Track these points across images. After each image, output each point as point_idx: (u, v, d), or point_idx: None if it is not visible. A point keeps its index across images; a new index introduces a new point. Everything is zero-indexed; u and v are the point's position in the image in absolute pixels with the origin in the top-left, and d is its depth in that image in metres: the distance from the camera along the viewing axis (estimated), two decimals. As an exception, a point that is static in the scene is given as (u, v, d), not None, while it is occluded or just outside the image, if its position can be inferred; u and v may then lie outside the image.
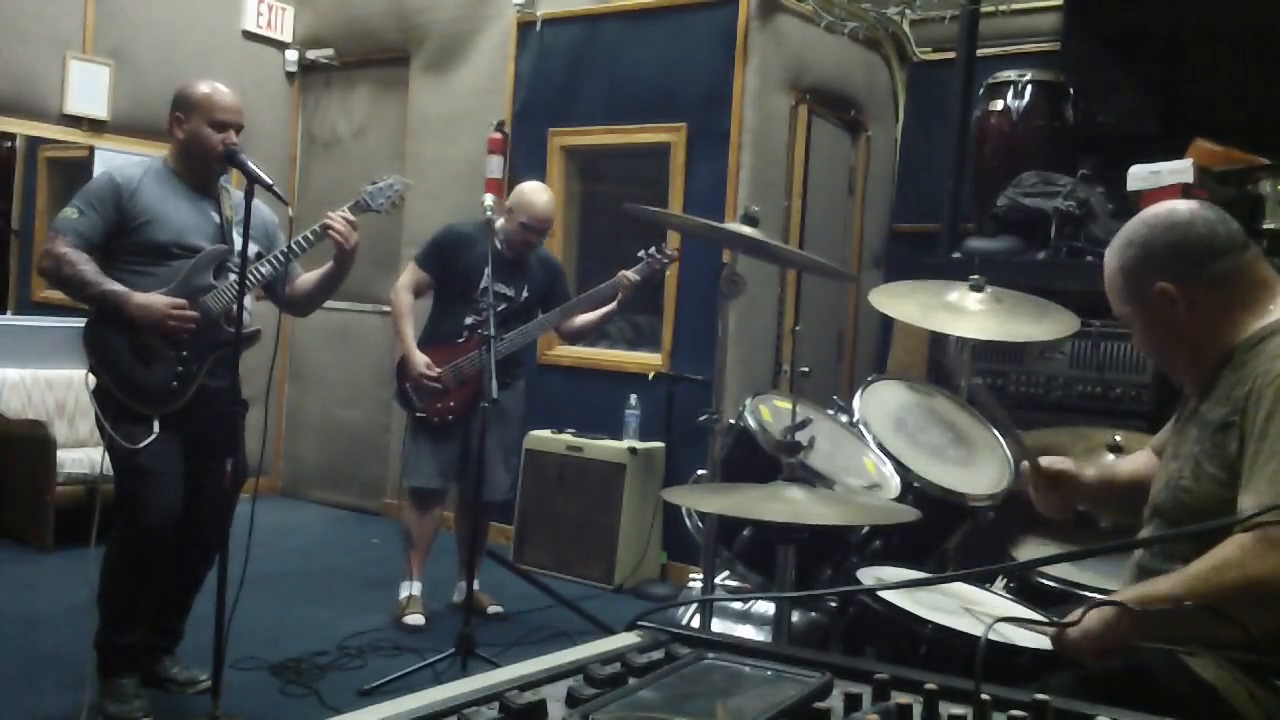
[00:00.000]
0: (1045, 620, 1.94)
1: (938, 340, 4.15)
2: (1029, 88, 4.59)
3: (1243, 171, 3.75)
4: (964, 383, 3.41)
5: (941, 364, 4.14)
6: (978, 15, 4.72)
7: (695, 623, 2.81)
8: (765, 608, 2.79)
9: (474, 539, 4.03)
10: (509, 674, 1.29)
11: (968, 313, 2.99)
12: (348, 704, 3.29)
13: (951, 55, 4.92)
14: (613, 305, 4.27)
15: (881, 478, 2.69)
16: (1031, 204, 4.19)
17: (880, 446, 2.75)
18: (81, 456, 5.16)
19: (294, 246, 3.26)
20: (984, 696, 1.14)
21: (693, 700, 1.27)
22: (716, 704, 1.29)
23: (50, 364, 5.43)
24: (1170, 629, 1.64)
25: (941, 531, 2.72)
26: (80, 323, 3.21)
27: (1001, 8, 5.07)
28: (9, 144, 5.64)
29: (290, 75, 6.76)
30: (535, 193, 4.26)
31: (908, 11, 5.68)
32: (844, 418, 2.93)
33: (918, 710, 1.13)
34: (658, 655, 1.36)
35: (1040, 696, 1.13)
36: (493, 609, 4.48)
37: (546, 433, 5.36)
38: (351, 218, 3.29)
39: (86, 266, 3.10)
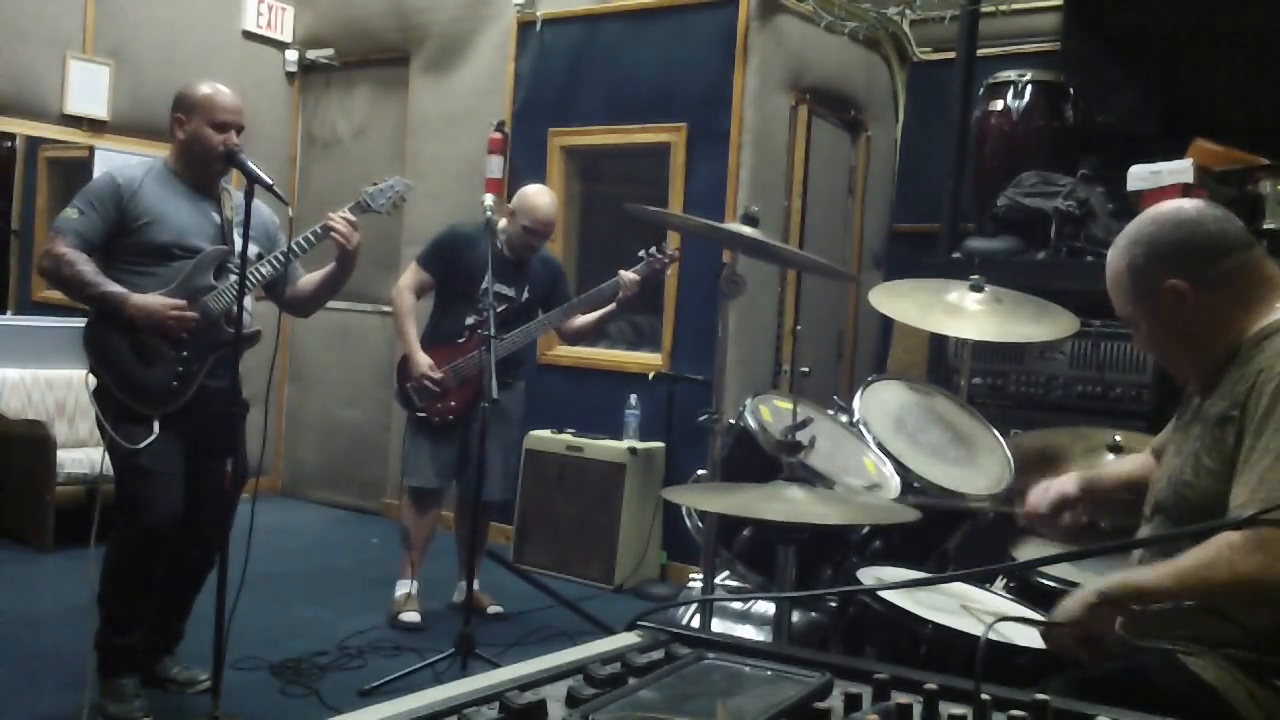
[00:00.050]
0: (1042, 620, 1.95)
1: (938, 340, 4.15)
2: (1029, 88, 4.58)
3: (1243, 171, 3.75)
4: (964, 383, 3.41)
5: (941, 364, 4.14)
6: (978, 15, 4.72)
7: (695, 623, 2.81)
8: (765, 608, 2.79)
9: (474, 539, 4.04)
10: (509, 674, 1.29)
11: (967, 313, 2.99)
12: (348, 704, 3.29)
13: (951, 55, 4.91)
14: (613, 305, 4.27)
15: (881, 478, 2.69)
16: (1031, 204, 4.20)
17: (880, 446, 2.75)
18: (81, 456, 5.16)
19: (295, 247, 3.27)
20: (984, 696, 1.14)
21: (693, 700, 1.27)
22: (716, 704, 1.29)
23: (50, 364, 5.43)
24: (1155, 618, 1.65)
25: (941, 531, 2.73)
26: (80, 323, 3.21)
27: (1001, 8, 5.06)
28: (9, 144, 5.64)
29: (290, 75, 6.76)
30: (538, 195, 4.26)
31: (908, 11, 5.68)
32: (844, 418, 2.93)
33: (918, 710, 1.13)
34: (658, 655, 1.36)
35: (1040, 696, 1.13)
36: (493, 609, 4.48)
37: (546, 433, 5.36)
38: (352, 218, 3.29)
39: (86, 267, 3.10)
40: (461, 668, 3.62)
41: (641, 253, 4.26)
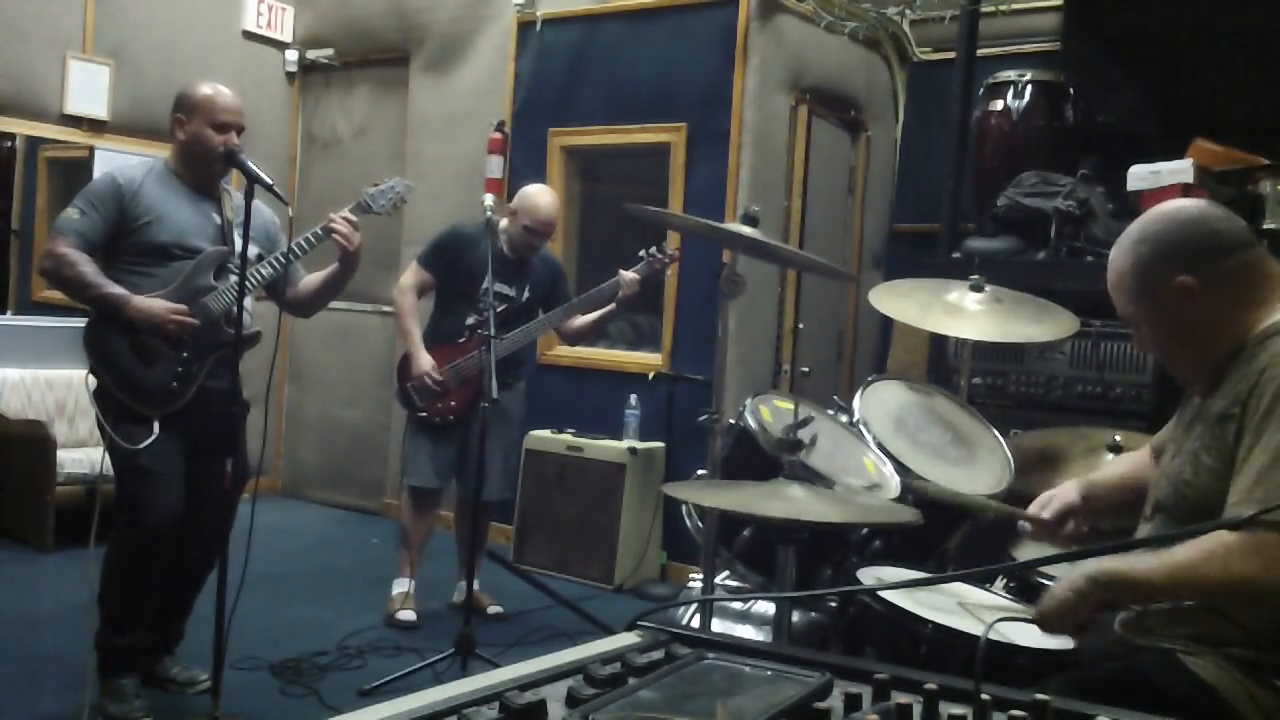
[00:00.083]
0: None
1: (938, 340, 4.15)
2: (1029, 88, 4.58)
3: (1243, 171, 3.75)
4: (964, 383, 3.41)
5: (941, 364, 4.14)
6: (978, 15, 4.71)
7: (695, 623, 2.81)
8: (765, 608, 2.79)
9: (474, 539, 4.04)
10: (509, 674, 1.29)
11: (967, 313, 2.99)
12: (348, 704, 3.29)
13: (951, 55, 4.91)
14: (613, 305, 4.27)
15: (881, 478, 2.69)
16: (1031, 204, 4.19)
17: (880, 446, 2.74)
18: (81, 456, 5.16)
19: (296, 248, 3.27)
20: (984, 696, 1.14)
21: (693, 700, 1.27)
22: (716, 704, 1.29)
23: (50, 364, 5.43)
24: (1154, 617, 1.65)
25: (941, 531, 2.72)
26: (80, 323, 3.21)
27: (1001, 8, 5.06)
28: (9, 144, 5.64)
29: (290, 75, 6.76)
30: (539, 195, 4.26)
31: (908, 11, 5.68)
32: (844, 418, 2.92)
33: (918, 710, 1.13)
34: (658, 655, 1.36)
35: (1040, 696, 1.13)
36: (493, 609, 4.48)
37: (546, 433, 5.36)
38: (353, 219, 3.30)
39: (87, 268, 3.10)
40: (461, 668, 3.62)
41: (641, 253, 4.26)
